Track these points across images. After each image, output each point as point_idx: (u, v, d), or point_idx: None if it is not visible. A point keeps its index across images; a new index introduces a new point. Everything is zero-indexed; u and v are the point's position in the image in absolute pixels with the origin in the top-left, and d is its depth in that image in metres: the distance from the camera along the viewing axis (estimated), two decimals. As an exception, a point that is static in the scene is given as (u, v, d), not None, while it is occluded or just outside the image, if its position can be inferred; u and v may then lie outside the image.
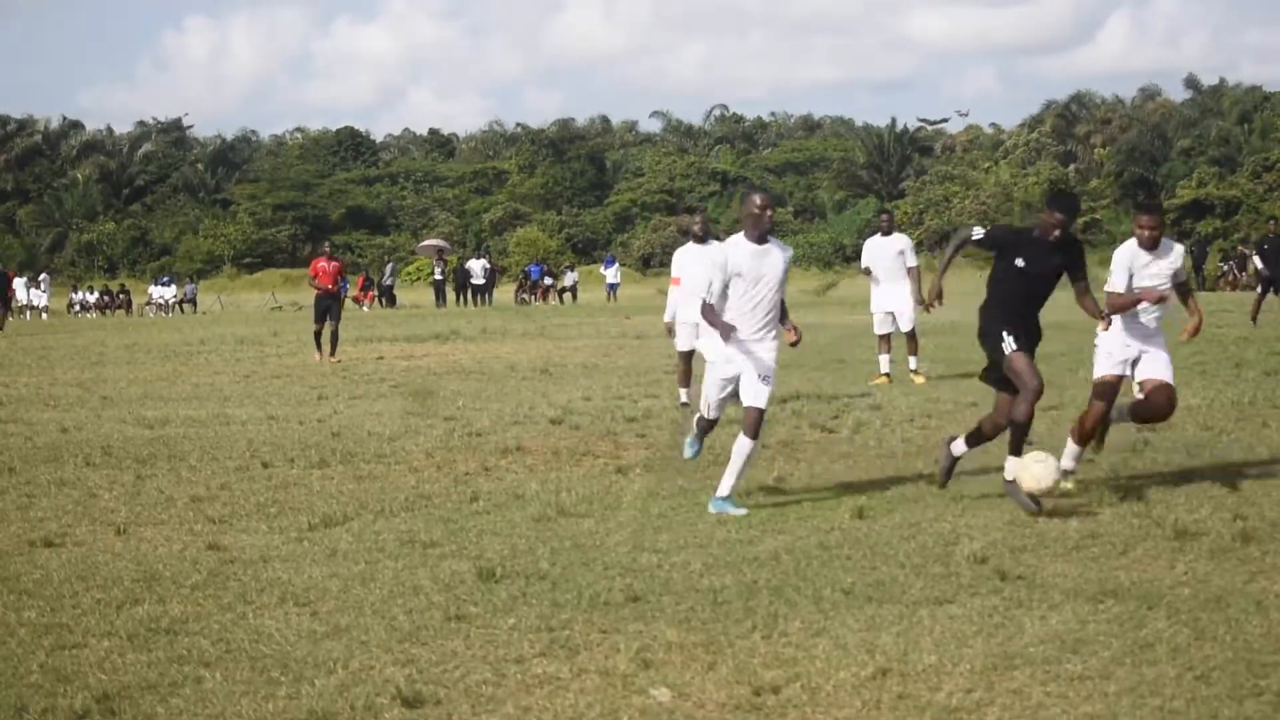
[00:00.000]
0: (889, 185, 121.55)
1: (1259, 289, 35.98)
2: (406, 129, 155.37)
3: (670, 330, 19.49)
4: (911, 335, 22.47)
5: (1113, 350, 13.13)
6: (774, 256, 12.05)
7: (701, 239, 18.84)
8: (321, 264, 31.36)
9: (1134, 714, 6.64)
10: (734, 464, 11.93)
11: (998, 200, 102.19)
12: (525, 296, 74.40)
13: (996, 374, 12.36)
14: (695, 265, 18.50)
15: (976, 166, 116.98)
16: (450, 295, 69.77)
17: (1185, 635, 7.76)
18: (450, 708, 7.00)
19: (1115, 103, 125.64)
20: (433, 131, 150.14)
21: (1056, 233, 12.08)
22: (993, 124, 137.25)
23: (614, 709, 6.92)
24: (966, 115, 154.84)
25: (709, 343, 12.34)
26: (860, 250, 24.46)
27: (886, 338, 22.48)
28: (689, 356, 18.93)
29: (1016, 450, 11.80)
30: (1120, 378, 12.93)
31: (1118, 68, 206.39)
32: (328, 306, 30.56)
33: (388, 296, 72.59)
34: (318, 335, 30.61)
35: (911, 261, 22.75)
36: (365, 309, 67.67)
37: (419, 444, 16.03)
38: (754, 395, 11.99)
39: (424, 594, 9.17)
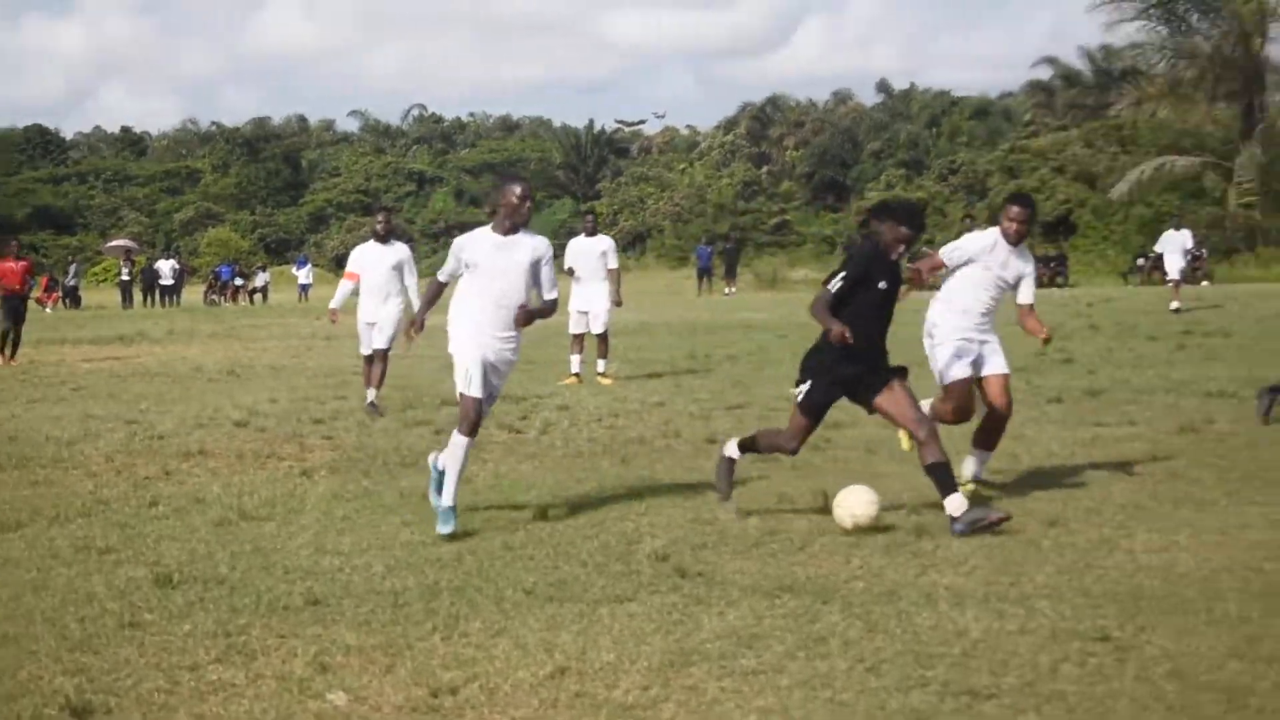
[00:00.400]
0: (585, 186, 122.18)
1: None
2: (97, 127, 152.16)
3: (334, 316, 19.83)
4: (603, 337, 22.58)
5: (960, 353, 12.50)
6: (520, 252, 11.33)
7: (384, 238, 18.98)
8: (9, 264, 30.49)
9: (805, 707, 6.75)
10: (451, 467, 11.20)
11: (692, 201, 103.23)
12: (215, 297, 73.28)
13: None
14: (376, 264, 18.82)
15: (672, 168, 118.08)
16: (138, 296, 68.42)
17: (858, 629, 7.91)
18: (121, 717, 6.84)
19: (809, 106, 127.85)
20: (125, 130, 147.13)
21: (901, 249, 11.37)
22: (689, 126, 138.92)
23: (290, 714, 6.83)
24: (663, 117, 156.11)
25: (453, 330, 11.58)
26: (562, 250, 24.50)
27: (580, 338, 22.53)
28: (370, 359, 19.00)
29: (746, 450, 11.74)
30: (970, 379, 12.41)
31: (812, 71, 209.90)
32: (15, 307, 29.75)
33: (72, 297, 70.93)
34: (3, 336, 29.75)
35: (613, 263, 22.82)
36: (49, 310, 65.98)
37: (99, 448, 15.66)
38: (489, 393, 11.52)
39: (98, 601, 8.96)
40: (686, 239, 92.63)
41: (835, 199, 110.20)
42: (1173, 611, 8.12)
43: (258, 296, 73.77)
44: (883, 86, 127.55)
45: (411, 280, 19.06)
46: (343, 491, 12.77)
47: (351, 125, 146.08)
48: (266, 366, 27.32)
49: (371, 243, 19.20)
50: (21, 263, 30.76)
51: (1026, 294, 12.37)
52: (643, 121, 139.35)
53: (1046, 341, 12.75)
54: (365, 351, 19.06)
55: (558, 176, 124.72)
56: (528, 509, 11.63)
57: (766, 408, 17.72)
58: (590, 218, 24.46)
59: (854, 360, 11.14)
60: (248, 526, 11.30)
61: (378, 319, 18.84)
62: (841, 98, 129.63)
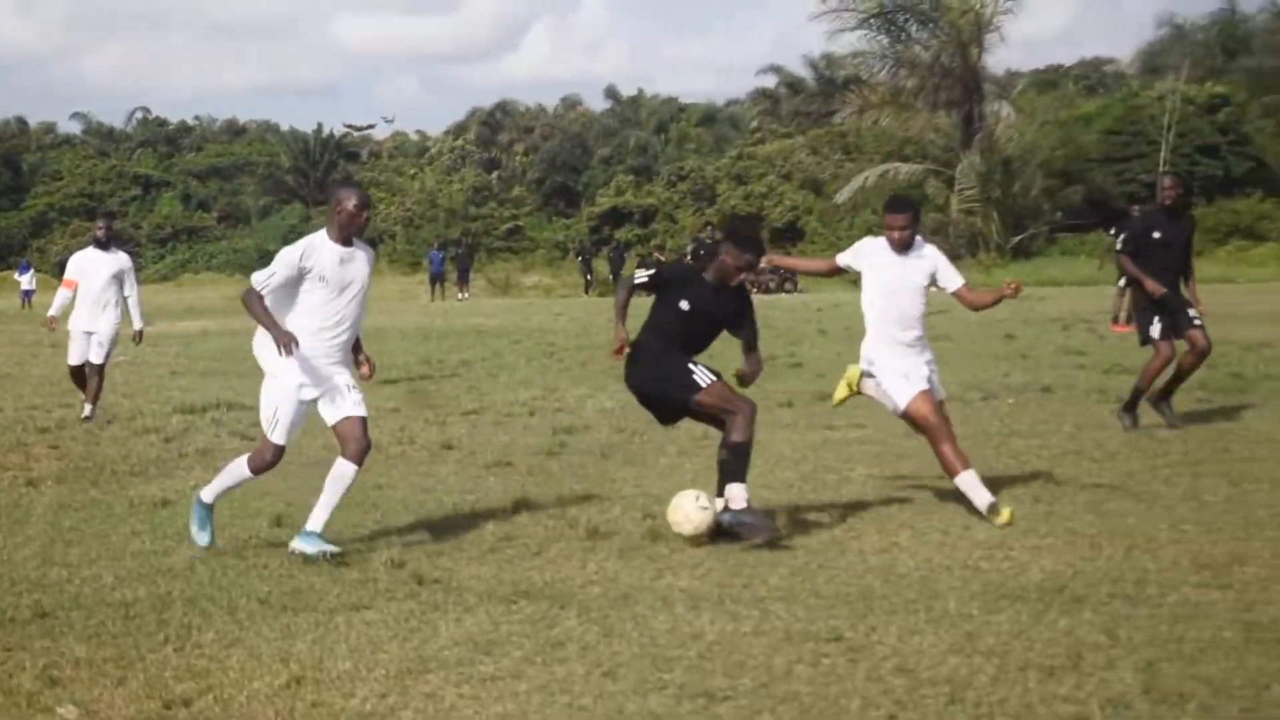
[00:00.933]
0: (315, 191, 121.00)
1: None
2: None
3: (53, 324, 19.22)
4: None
5: (908, 373, 11.43)
6: (359, 263, 10.39)
7: (104, 245, 18.67)
8: None
9: (544, 712, 6.77)
10: (331, 493, 10.33)
11: (423, 206, 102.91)
12: (-64, 303, 71.47)
13: (675, 414, 11.17)
14: (95, 272, 18.48)
15: (402, 173, 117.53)
16: None
17: (594, 633, 7.96)
18: None
19: (538, 111, 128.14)
20: None
21: (742, 276, 10.75)
22: (418, 130, 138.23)
23: (17, 729, 6.71)
24: (392, 121, 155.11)
25: (268, 354, 10.43)
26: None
27: None
28: (80, 371, 18.66)
29: (740, 475, 10.53)
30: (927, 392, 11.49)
31: (541, 77, 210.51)
32: None
33: None
34: None
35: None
36: None
37: None
38: (353, 404, 10.39)
39: None
40: (418, 244, 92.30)
41: (567, 205, 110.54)
42: (897, 610, 8.29)
43: (-17, 301, 72.03)
44: (611, 92, 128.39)
45: (132, 291, 18.68)
46: (70, 501, 12.51)
47: (74, 128, 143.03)
48: (-12, 374, 26.66)
49: (91, 249, 18.80)
50: None
51: (951, 282, 11.60)
52: (372, 126, 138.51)
53: (1017, 290, 11.85)
54: (74, 361, 18.66)
55: (287, 181, 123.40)
56: (261, 517, 11.50)
57: (501, 413, 17.76)
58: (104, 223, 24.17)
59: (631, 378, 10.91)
60: (-29, 538, 11.03)
61: (95, 329, 18.43)
62: (570, 103, 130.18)
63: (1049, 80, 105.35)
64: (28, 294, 71.45)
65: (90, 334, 18.48)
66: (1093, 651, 7.39)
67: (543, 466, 13.72)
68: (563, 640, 7.85)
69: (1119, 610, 8.17)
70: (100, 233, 18.83)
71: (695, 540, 10.24)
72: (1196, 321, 15.33)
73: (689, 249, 42.43)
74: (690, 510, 10.33)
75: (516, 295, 63.62)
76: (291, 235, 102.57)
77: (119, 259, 18.74)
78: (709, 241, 36.75)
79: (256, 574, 9.63)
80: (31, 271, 76.29)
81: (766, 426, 15.74)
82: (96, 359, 18.46)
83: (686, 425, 15.90)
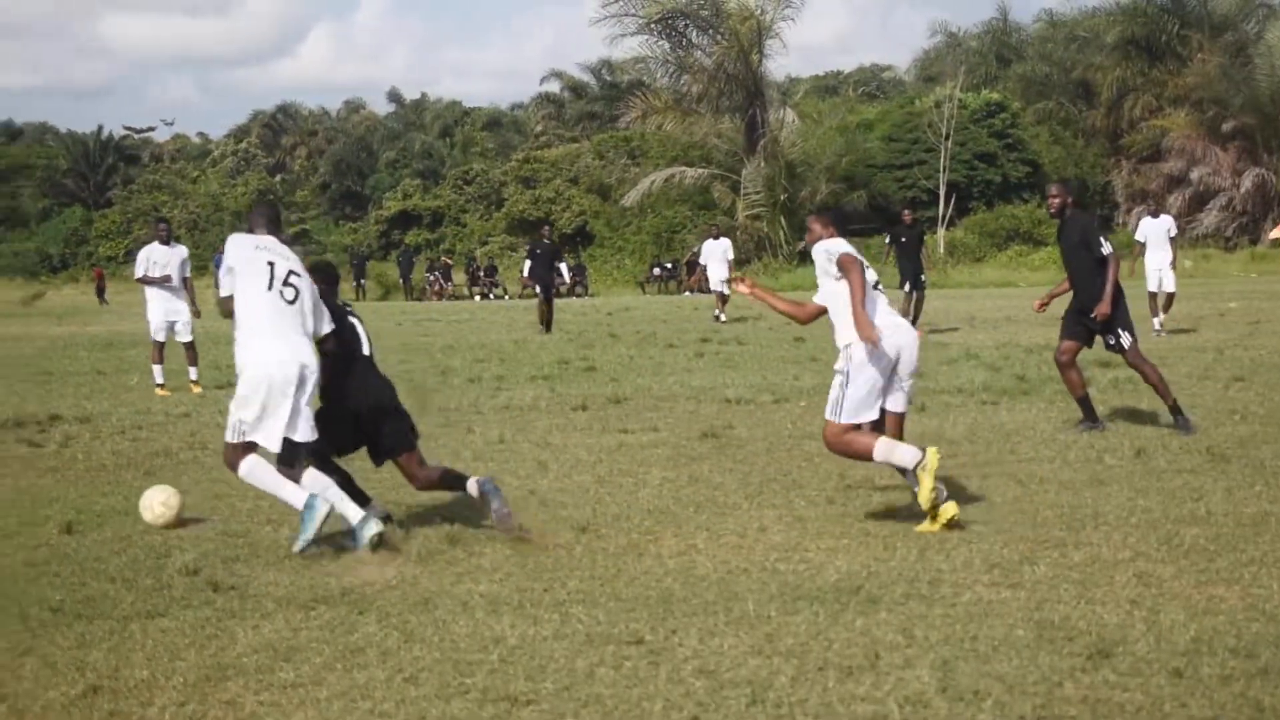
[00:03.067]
0: (96, 194, 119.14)
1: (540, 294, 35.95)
2: None
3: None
4: (190, 346, 22.14)
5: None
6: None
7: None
8: None
9: (345, 718, 6.74)
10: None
11: (208, 210, 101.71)
12: None
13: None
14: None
15: (185, 176, 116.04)
16: None
17: (395, 638, 7.94)
18: None
19: (321, 114, 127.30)
20: None
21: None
22: (200, 133, 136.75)
23: None
24: (172, 124, 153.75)
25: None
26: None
27: (161, 347, 21.98)
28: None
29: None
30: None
31: (321, 80, 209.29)
32: None
33: None
34: None
35: (187, 273, 22.35)
36: None
37: None
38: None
39: None
40: (205, 248, 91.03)
41: (354, 208, 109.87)
42: (697, 613, 8.36)
43: None
44: (394, 96, 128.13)
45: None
46: None
47: None
48: None
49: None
50: None
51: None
52: (152, 129, 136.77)
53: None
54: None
55: (66, 184, 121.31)
56: (50, 524, 11.30)
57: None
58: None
59: None
60: None
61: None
62: (354, 106, 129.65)
63: (829, 86, 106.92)
64: None
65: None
66: (890, 651, 7.50)
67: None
68: (363, 646, 7.81)
69: (914, 610, 8.30)
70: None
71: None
72: None
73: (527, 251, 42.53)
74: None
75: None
76: (73, 238, 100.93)
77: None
78: (546, 243, 36.53)
79: (47, 581, 9.47)
80: None
81: (561, 430, 15.83)
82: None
83: (481, 429, 15.99)
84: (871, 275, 11.15)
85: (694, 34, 73.12)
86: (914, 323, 29.69)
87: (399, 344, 30.20)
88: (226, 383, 21.72)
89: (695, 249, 65.57)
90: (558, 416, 17.28)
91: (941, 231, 67.51)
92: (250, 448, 10.47)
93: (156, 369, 21.95)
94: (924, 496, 10.47)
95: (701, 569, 9.56)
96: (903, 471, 10.79)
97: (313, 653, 7.70)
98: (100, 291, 70.04)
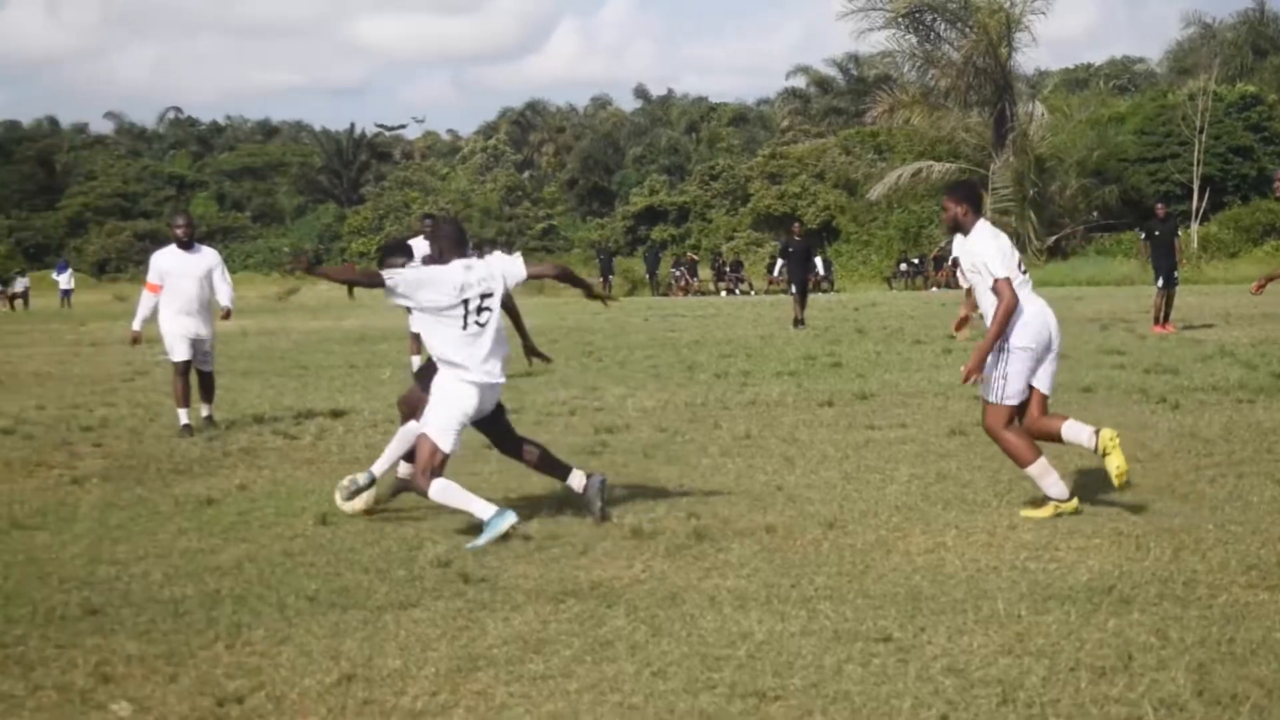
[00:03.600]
0: (349, 190, 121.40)
1: (793, 292, 35.87)
2: None
3: (135, 339, 17.80)
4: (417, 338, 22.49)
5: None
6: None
7: (187, 243, 17.37)
8: None
9: (594, 711, 6.78)
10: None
11: (457, 206, 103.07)
12: (-27, 303, 71.75)
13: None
14: (184, 271, 17.28)
15: (435, 172, 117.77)
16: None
17: (643, 632, 7.96)
18: (-105, 732, 6.71)
19: (568, 111, 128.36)
20: None
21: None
22: (450, 130, 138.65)
23: (72, 726, 6.74)
24: (423, 121, 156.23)
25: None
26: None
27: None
28: (188, 367, 17.24)
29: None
30: None
31: (568, 77, 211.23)
32: None
33: None
34: None
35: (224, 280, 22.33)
36: None
37: None
38: None
39: None
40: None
41: (600, 204, 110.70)
42: (946, 611, 8.27)
43: (18, 302, 72.30)
44: (641, 92, 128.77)
45: (223, 282, 17.55)
46: (116, 499, 12.56)
47: (106, 128, 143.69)
48: (30, 373, 26.77)
49: (174, 249, 17.52)
50: None
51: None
52: (403, 126, 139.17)
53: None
54: (180, 358, 17.24)
55: (320, 181, 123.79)
56: (306, 515, 11.53)
57: (541, 412, 17.77)
58: (428, 221, 24.12)
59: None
60: (19, 536, 11.08)
61: (200, 334, 17.43)
62: (601, 103, 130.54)
63: (1079, 79, 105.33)
64: (66, 293, 71.72)
65: (195, 340, 17.29)
66: (1143, 652, 7.37)
67: (584, 466, 13.68)
68: (611, 639, 7.85)
69: (1168, 611, 8.14)
70: (180, 230, 17.49)
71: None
72: None
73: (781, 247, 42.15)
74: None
75: (552, 294, 63.46)
76: (326, 234, 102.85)
77: (206, 256, 17.55)
78: (798, 239, 36.39)
79: (304, 571, 9.65)
80: (69, 271, 76.56)
81: (808, 426, 15.77)
82: (206, 367, 17.49)
83: (728, 424, 16.00)
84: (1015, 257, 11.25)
85: (942, 27, 72.58)
86: (1166, 319, 29.22)
87: (645, 339, 30.35)
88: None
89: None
90: (804, 412, 17.22)
91: (1195, 226, 66.24)
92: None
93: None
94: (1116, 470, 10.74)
95: (950, 566, 9.47)
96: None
97: (562, 645, 7.75)
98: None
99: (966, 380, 10.92)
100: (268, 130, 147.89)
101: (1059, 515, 10.76)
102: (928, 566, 9.47)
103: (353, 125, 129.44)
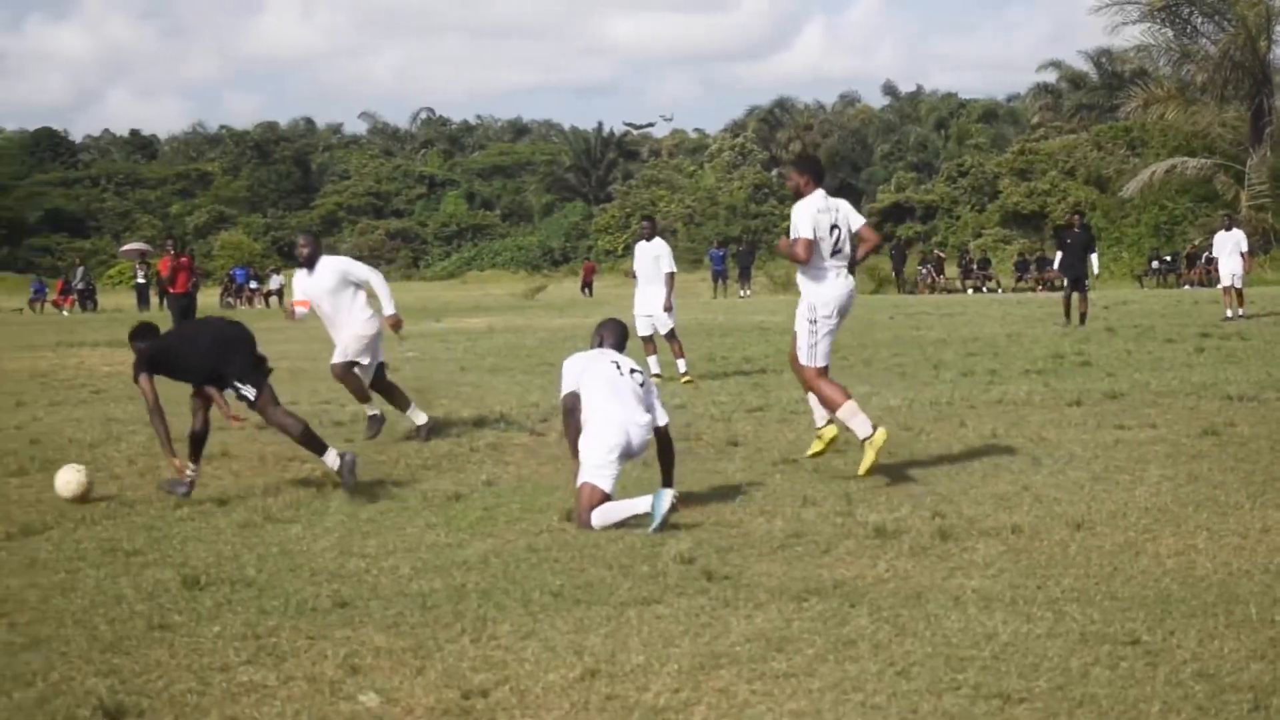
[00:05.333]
0: (597, 189, 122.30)
1: (1065, 286, 35.27)
2: (106, 130, 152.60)
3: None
4: (672, 337, 22.66)
5: None
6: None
7: (309, 263, 16.76)
8: (167, 262, 30.51)
9: (837, 710, 6.76)
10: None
11: (703, 204, 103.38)
12: (230, 300, 73.32)
13: None
14: (311, 292, 16.85)
15: (682, 170, 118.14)
16: (153, 299, 68.19)
17: (886, 631, 7.91)
18: (154, 718, 6.87)
19: (816, 108, 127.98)
20: (133, 133, 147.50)
21: None
22: (697, 129, 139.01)
23: (322, 715, 6.86)
24: (671, 120, 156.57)
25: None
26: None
27: (650, 340, 22.63)
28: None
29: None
30: None
31: (814, 74, 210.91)
32: (183, 306, 29.53)
33: (88, 300, 71.07)
34: None
35: (667, 267, 22.74)
36: (65, 313, 66.21)
37: (121, 450, 15.69)
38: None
39: (126, 603, 9.00)
40: (699, 242, 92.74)
41: (848, 201, 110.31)
42: (1196, 614, 8.11)
43: (273, 299, 73.86)
44: (889, 89, 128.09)
45: (370, 278, 16.98)
46: (365, 494, 12.78)
47: (360, 128, 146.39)
48: (285, 370, 27.23)
49: (300, 272, 16.95)
50: (181, 260, 30.33)
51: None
52: (651, 124, 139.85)
53: None
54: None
55: (568, 179, 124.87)
56: (551, 511, 11.64)
57: (786, 410, 17.69)
58: (647, 223, 24.38)
59: None
60: (273, 529, 11.35)
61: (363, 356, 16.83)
62: (849, 100, 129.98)
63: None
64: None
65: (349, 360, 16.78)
66: (1405, 660, 7.17)
67: (828, 465, 13.66)
68: (854, 638, 7.81)
69: None
70: (305, 250, 16.82)
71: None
72: None
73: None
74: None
75: (797, 293, 63.45)
76: (574, 232, 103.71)
77: (321, 275, 16.67)
78: (1077, 231, 35.67)
79: (548, 567, 9.74)
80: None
81: (1055, 425, 15.55)
82: (372, 378, 16.95)
83: (974, 423, 15.84)
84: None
85: (1199, 20, 71.08)
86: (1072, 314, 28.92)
87: (890, 337, 30.16)
88: (669, 376, 22.09)
89: (1195, 240, 63.78)
90: (1051, 411, 16.97)
91: None
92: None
93: (650, 360, 22.29)
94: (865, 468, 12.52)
95: (1201, 569, 9.30)
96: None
97: (805, 644, 7.73)
98: (587, 285, 71.94)
99: None
100: (517, 129, 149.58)
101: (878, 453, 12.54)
102: (1178, 569, 9.30)
103: (601, 124, 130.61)
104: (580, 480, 11.35)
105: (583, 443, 11.50)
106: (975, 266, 71.20)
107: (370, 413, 16.78)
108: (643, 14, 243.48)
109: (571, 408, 11.67)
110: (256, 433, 16.83)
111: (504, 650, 7.76)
